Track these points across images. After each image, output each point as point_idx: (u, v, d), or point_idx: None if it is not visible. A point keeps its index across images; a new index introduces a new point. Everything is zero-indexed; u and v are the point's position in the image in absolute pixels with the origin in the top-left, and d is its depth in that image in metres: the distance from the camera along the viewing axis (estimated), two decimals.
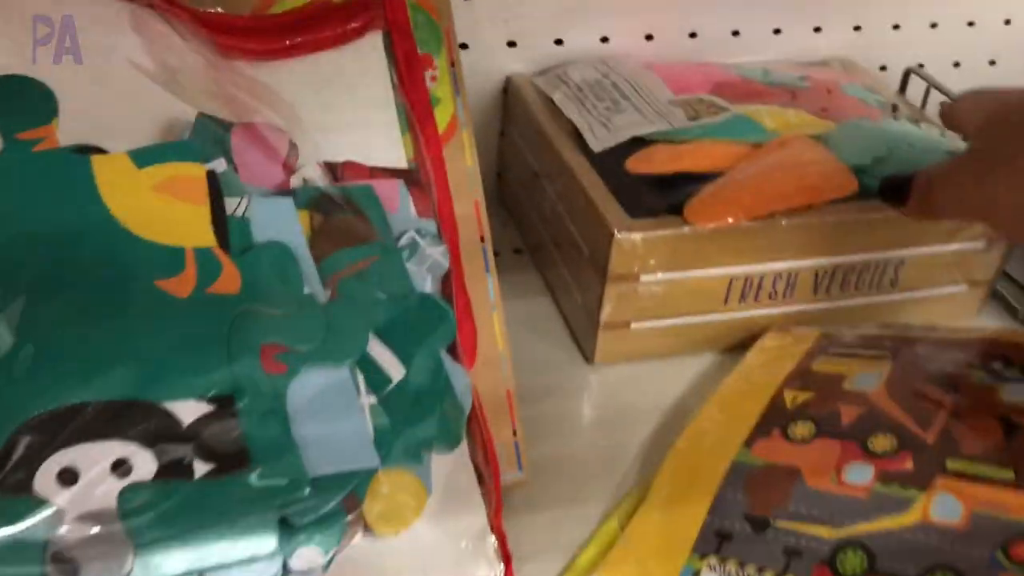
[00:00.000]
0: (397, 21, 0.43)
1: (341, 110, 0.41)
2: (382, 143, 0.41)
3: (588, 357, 0.52)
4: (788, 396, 0.44)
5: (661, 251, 0.48)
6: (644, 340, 0.52)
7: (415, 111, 0.42)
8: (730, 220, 0.48)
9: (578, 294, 0.53)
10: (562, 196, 0.55)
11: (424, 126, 0.42)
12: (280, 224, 0.34)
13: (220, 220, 0.32)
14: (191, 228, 0.31)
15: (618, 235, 0.47)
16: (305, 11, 0.42)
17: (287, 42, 0.41)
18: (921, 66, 0.66)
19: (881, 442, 0.39)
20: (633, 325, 0.51)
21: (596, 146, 0.54)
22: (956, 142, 0.55)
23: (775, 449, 0.41)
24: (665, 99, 0.57)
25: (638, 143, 0.53)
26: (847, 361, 0.46)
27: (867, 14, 0.65)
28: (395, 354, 0.35)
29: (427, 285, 0.38)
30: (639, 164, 0.52)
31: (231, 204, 0.33)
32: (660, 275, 0.49)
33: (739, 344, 0.53)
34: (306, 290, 0.33)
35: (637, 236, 0.47)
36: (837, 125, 0.55)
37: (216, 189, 0.32)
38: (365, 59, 0.42)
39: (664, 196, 0.49)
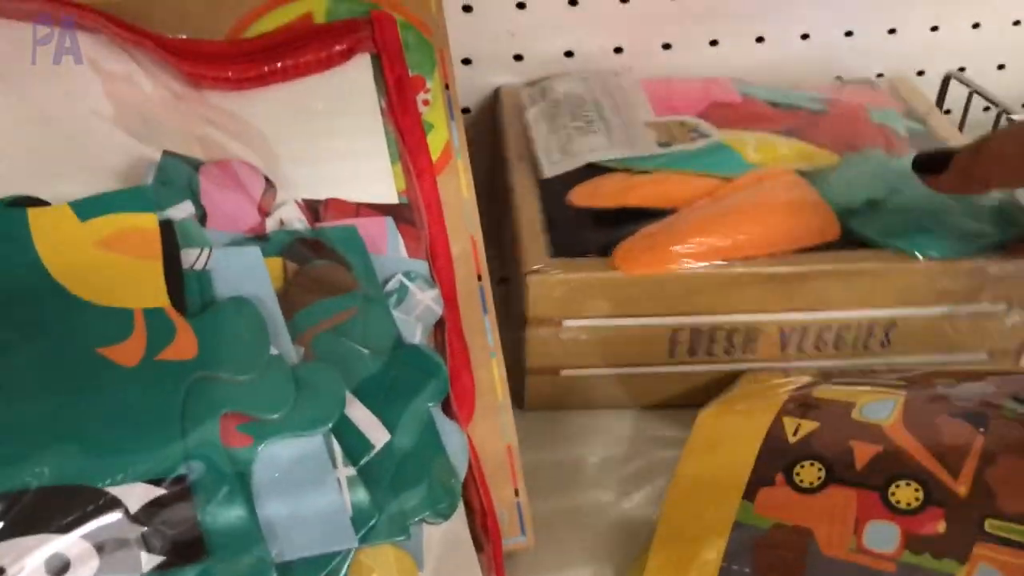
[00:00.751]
0: (387, 43, 0.40)
1: (325, 140, 0.38)
2: (370, 175, 0.38)
3: (520, 403, 0.48)
4: (789, 425, 0.39)
5: (584, 296, 0.43)
6: (579, 389, 0.47)
7: (406, 140, 0.39)
8: (668, 267, 0.43)
9: (510, 334, 0.48)
10: (504, 225, 0.50)
11: (416, 156, 0.39)
12: (246, 276, 0.30)
13: (175, 276, 0.29)
14: (141, 287, 0.28)
15: (529, 276, 0.42)
16: (286, 34, 0.39)
17: (266, 68, 0.38)
18: (962, 70, 0.62)
19: (905, 493, 0.34)
20: (563, 373, 0.46)
21: (546, 171, 0.48)
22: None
23: (781, 502, 0.36)
24: (642, 120, 0.51)
25: (592, 170, 0.48)
26: (854, 389, 0.41)
27: (905, 16, 0.60)
28: (378, 416, 0.31)
29: (417, 335, 0.35)
30: (583, 196, 0.47)
31: (189, 256, 0.30)
32: (586, 322, 0.44)
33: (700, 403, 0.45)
34: (273, 351, 0.29)
35: (553, 278, 0.42)
36: (842, 158, 0.49)
37: (171, 241, 0.29)
38: (352, 84, 0.39)
39: (601, 233, 0.44)
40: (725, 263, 0.43)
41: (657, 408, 0.48)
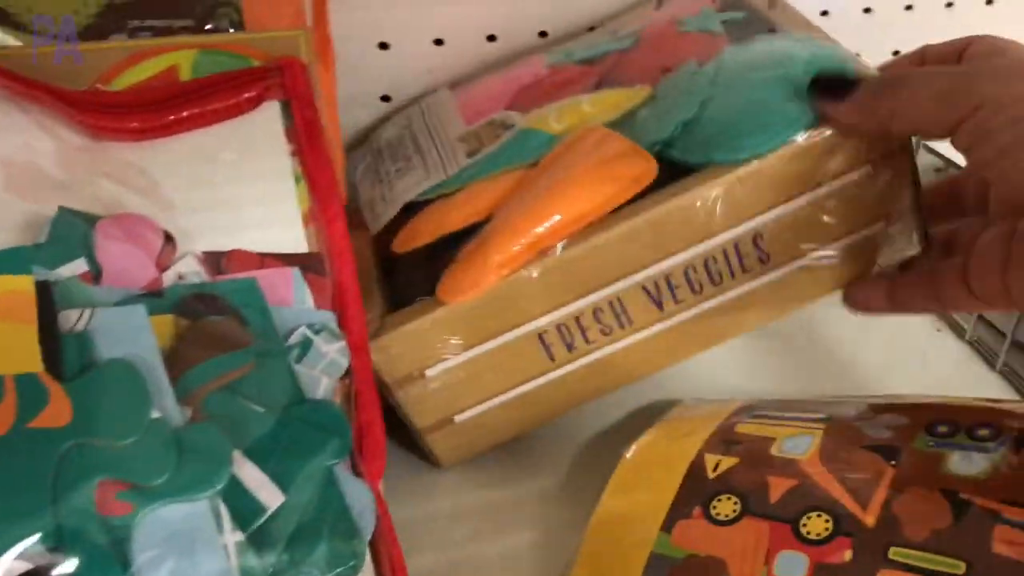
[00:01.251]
0: (297, 88, 0.39)
1: (233, 189, 0.37)
2: (279, 223, 0.37)
3: (435, 463, 0.46)
4: (710, 462, 0.39)
5: (429, 341, 0.41)
6: (482, 428, 0.44)
7: (316, 187, 0.38)
8: (493, 280, 0.39)
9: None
10: None
11: (326, 203, 0.38)
12: (130, 336, 0.29)
13: (51, 339, 0.28)
14: (13, 352, 0.27)
15: (370, 343, 0.39)
16: (194, 82, 0.39)
17: (171, 118, 0.38)
18: None
19: (816, 524, 0.35)
20: (457, 419, 0.44)
21: (372, 227, 0.46)
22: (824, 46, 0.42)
23: (697, 534, 0.36)
24: (454, 136, 0.47)
25: (411, 210, 0.45)
26: (775, 424, 0.41)
27: None
28: (273, 476, 0.30)
29: (321, 389, 0.34)
30: (403, 241, 0.44)
31: (69, 318, 0.29)
32: (447, 363, 0.41)
33: (610, 387, 0.45)
34: (155, 413, 0.28)
35: (389, 337, 0.40)
36: (654, 89, 0.44)
37: (47, 303, 0.28)
38: (260, 132, 0.39)
39: (428, 273, 0.41)
40: (546, 254, 0.39)
41: (575, 409, 0.46)
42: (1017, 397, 0.51)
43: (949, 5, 0.60)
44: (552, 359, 0.43)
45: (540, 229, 0.39)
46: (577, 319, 0.41)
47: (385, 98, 0.56)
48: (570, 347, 0.42)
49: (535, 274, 0.40)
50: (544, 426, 0.46)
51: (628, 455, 0.43)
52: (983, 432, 0.36)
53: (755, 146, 0.39)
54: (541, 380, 0.43)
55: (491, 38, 0.55)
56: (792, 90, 0.40)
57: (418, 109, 0.52)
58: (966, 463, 0.35)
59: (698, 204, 0.39)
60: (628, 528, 0.39)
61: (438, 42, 0.54)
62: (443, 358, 0.41)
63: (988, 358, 0.53)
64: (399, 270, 0.44)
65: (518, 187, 0.42)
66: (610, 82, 0.46)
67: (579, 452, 0.47)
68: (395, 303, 0.42)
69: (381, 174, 0.48)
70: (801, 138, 0.39)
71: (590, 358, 0.43)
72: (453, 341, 0.41)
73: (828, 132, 0.39)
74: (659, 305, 0.42)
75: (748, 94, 0.41)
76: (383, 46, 0.54)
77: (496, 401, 0.43)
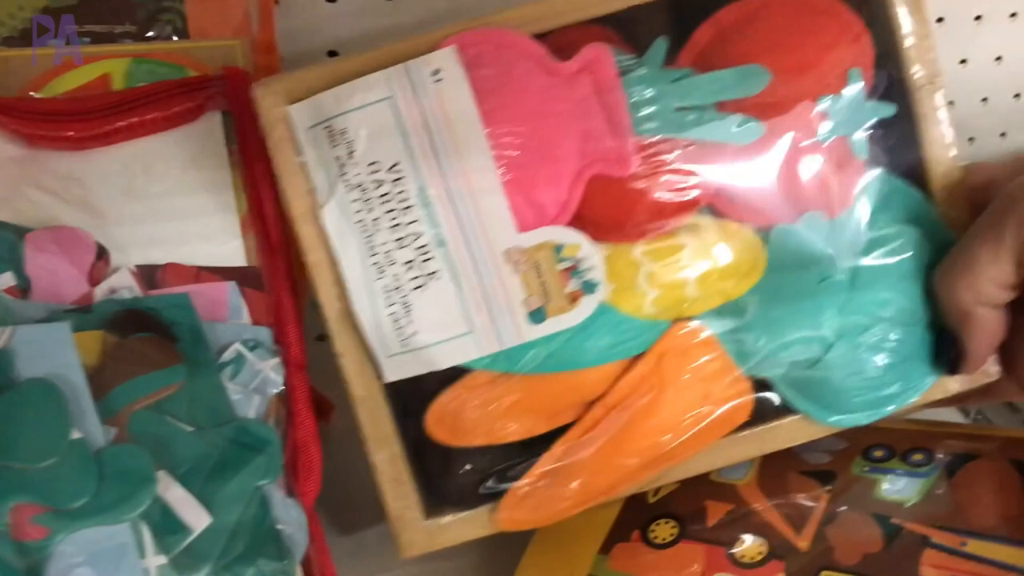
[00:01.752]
0: (240, 99, 0.39)
1: (170, 200, 0.37)
2: (217, 236, 0.37)
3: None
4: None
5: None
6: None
7: (257, 199, 0.38)
8: (561, 518, 0.36)
9: None
10: None
11: (266, 215, 0.37)
12: (52, 354, 0.29)
13: None
14: None
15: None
16: (134, 91, 0.38)
17: (109, 127, 0.37)
18: None
19: (751, 548, 0.35)
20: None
21: (387, 373, 0.34)
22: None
23: (634, 557, 0.37)
24: (501, 249, 0.33)
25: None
26: None
27: None
28: (201, 496, 0.30)
29: (253, 407, 0.33)
30: (446, 432, 0.36)
31: None
32: None
33: None
34: (76, 434, 0.28)
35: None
36: (770, 244, 0.35)
37: None
38: (201, 142, 0.38)
39: (477, 478, 0.36)
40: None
41: None
42: (959, 417, 0.51)
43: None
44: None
45: (616, 475, 0.36)
46: None
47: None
48: None
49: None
50: None
51: None
52: (917, 457, 0.37)
53: (862, 419, 0.36)
54: None
55: None
56: (916, 346, 0.36)
57: (415, 108, 0.32)
58: (899, 488, 0.35)
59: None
60: (567, 552, 0.39)
61: None
62: None
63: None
64: (435, 456, 0.36)
65: (597, 412, 0.35)
66: (721, 202, 0.34)
67: None
68: (434, 493, 0.37)
69: (375, 248, 0.33)
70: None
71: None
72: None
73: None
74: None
75: (871, 353, 0.36)
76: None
77: None
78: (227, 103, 0.39)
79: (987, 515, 0.33)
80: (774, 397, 0.36)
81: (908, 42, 0.35)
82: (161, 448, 0.30)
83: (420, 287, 0.33)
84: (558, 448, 0.36)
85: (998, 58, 0.62)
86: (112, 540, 0.28)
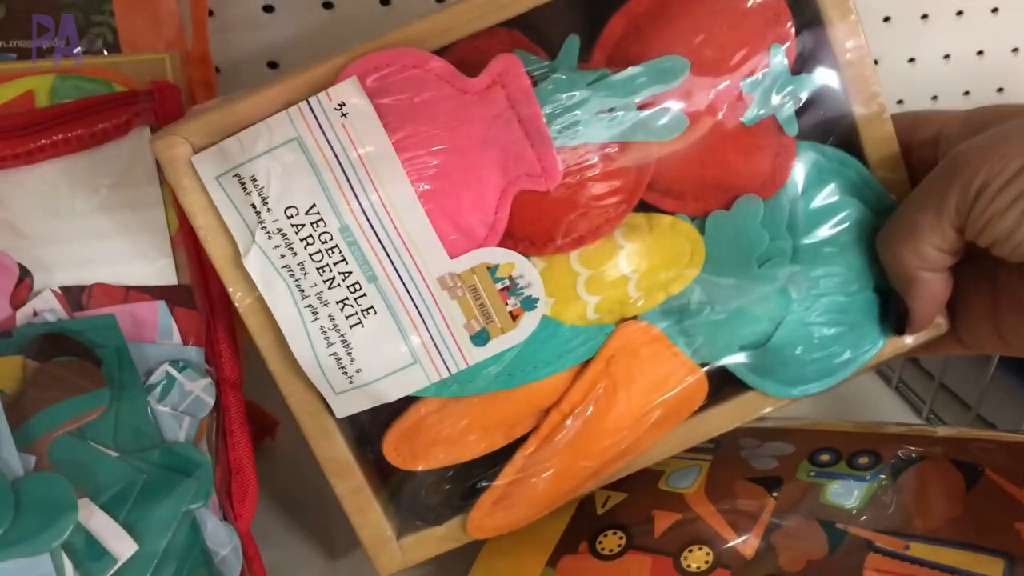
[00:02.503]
0: (169, 114, 0.38)
1: (98, 218, 0.36)
2: (147, 254, 0.36)
3: None
4: (600, 498, 0.39)
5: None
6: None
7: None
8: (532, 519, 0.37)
9: None
10: None
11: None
12: None
13: None
14: None
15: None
16: (59, 107, 0.37)
17: (33, 145, 0.36)
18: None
19: (697, 557, 0.34)
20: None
21: (336, 408, 0.34)
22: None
23: (581, 569, 0.36)
24: (434, 275, 0.32)
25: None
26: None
27: None
28: (127, 523, 0.29)
29: (183, 429, 0.32)
30: (402, 457, 0.36)
31: None
32: None
33: None
34: None
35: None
36: (708, 229, 0.35)
37: None
38: (129, 159, 0.37)
39: (444, 498, 0.37)
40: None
41: None
42: (912, 415, 0.51)
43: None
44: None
45: (577, 479, 0.37)
46: None
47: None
48: None
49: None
50: None
51: None
52: (863, 460, 0.37)
53: (820, 386, 0.37)
54: None
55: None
56: (864, 311, 0.36)
57: (325, 145, 0.30)
58: (844, 493, 0.35)
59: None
60: (514, 563, 0.38)
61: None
62: None
63: (884, 374, 0.53)
64: (399, 479, 0.37)
65: (554, 419, 0.35)
66: (653, 197, 0.34)
67: None
68: (402, 514, 0.37)
69: (306, 290, 0.32)
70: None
71: None
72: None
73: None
74: None
75: (820, 326, 0.36)
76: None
77: None
78: (156, 118, 0.38)
79: (930, 518, 0.33)
80: (729, 377, 0.36)
81: (830, 12, 0.33)
82: (84, 475, 0.29)
83: (357, 323, 0.32)
84: (519, 459, 0.36)
85: (946, 56, 0.63)
86: (32, 571, 0.27)
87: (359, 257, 0.31)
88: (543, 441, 0.36)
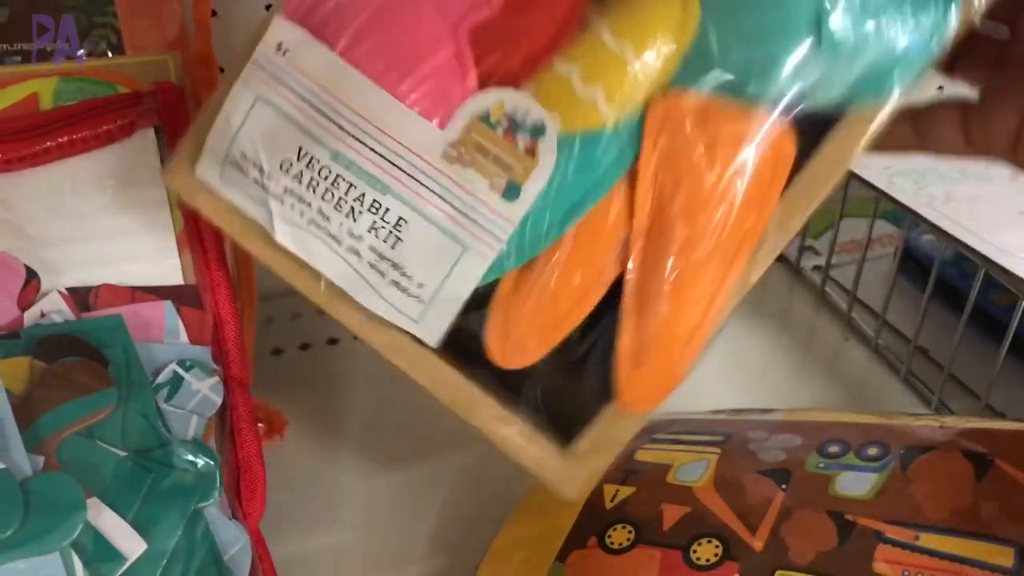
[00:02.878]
0: (173, 115, 0.38)
1: (103, 219, 0.36)
2: (153, 254, 0.36)
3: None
4: (608, 492, 0.39)
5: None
6: None
7: (192, 213, 0.37)
8: (686, 368, 0.32)
9: None
10: None
11: (202, 231, 0.37)
12: None
13: None
14: None
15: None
16: (63, 110, 0.37)
17: (39, 147, 0.36)
18: None
19: (706, 550, 0.35)
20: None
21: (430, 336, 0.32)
22: None
23: (590, 563, 0.36)
24: (437, 153, 0.30)
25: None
26: (672, 449, 0.41)
27: None
28: (136, 522, 0.29)
29: (191, 428, 0.33)
30: (509, 355, 0.33)
31: None
32: None
33: None
34: None
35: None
36: None
37: None
38: (133, 160, 0.37)
39: (578, 383, 0.33)
40: None
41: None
42: (920, 406, 0.51)
43: None
44: None
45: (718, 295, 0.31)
46: None
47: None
48: None
49: None
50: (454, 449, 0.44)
51: (531, 485, 0.42)
52: (872, 451, 0.36)
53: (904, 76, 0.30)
54: None
55: None
56: None
57: (285, 90, 0.31)
58: (853, 484, 0.35)
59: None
60: (524, 557, 0.38)
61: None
62: None
63: (894, 366, 0.53)
64: (518, 378, 0.33)
65: (632, 238, 0.32)
66: None
67: (487, 481, 0.46)
68: (554, 424, 0.33)
69: (319, 220, 0.31)
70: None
71: None
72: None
73: None
74: None
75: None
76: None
77: None
78: (160, 119, 0.38)
79: (940, 508, 0.33)
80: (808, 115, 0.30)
81: None
82: (92, 474, 0.29)
83: (396, 240, 0.31)
84: (628, 299, 0.32)
85: None
86: (41, 571, 0.27)
87: (362, 175, 0.30)
88: (641, 257, 0.31)
